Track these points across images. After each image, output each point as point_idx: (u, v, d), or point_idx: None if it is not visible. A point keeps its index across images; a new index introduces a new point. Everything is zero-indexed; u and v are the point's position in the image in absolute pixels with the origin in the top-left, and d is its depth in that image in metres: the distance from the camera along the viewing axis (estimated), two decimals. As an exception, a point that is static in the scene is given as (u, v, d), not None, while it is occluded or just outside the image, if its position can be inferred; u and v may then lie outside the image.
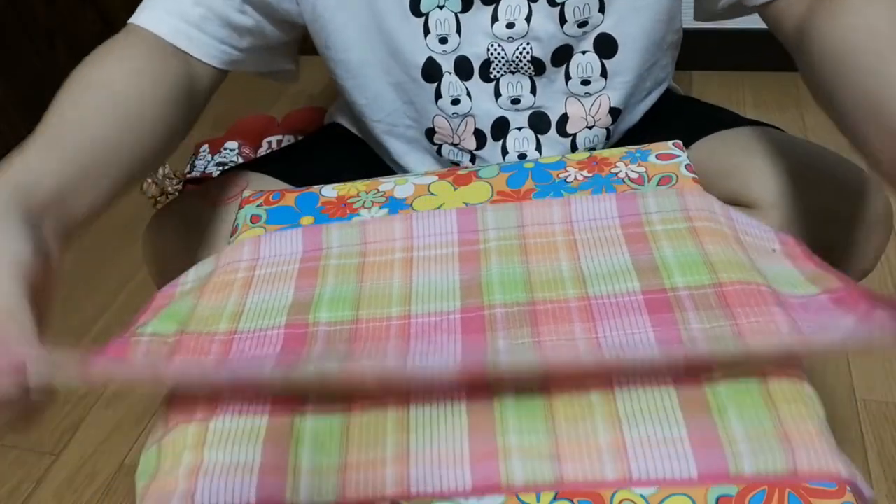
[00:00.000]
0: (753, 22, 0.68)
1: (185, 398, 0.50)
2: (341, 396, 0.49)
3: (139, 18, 0.62)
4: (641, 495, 0.42)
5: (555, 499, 0.43)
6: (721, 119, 0.75)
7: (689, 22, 0.77)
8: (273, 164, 0.78)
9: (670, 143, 0.62)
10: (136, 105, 0.56)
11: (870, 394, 0.97)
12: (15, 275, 0.42)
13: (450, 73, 0.69)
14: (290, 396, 0.49)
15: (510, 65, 0.68)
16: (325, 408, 0.49)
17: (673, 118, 0.78)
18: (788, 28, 0.59)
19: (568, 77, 0.70)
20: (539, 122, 0.72)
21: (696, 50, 1.07)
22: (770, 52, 0.66)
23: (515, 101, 0.70)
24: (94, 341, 1.17)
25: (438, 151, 0.76)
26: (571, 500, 0.43)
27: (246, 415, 0.48)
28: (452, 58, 0.68)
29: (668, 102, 0.79)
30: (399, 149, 0.79)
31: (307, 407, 0.49)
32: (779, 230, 0.57)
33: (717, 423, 0.45)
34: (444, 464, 0.45)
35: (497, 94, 0.70)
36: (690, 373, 0.47)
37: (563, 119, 0.72)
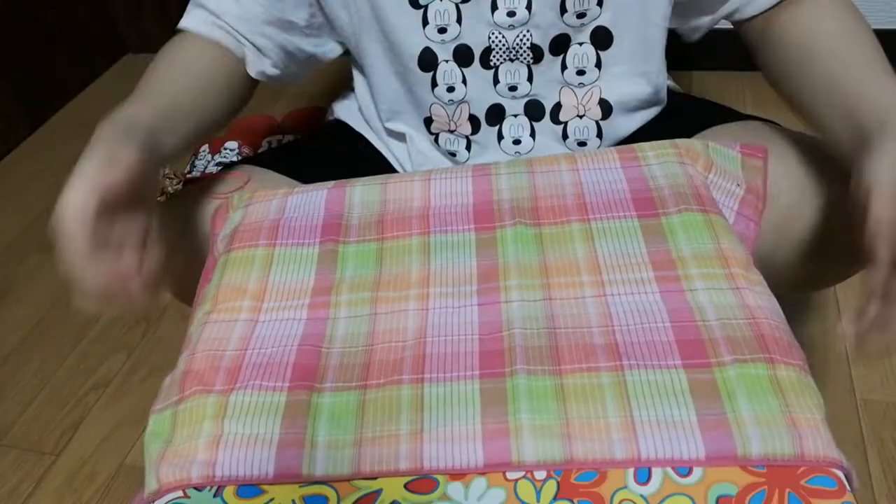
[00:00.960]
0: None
1: (201, 369, 0.52)
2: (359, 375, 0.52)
3: (198, 27, 0.73)
4: (641, 495, 0.42)
5: (555, 498, 0.43)
6: (724, 114, 0.77)
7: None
8: (274, 160, 0.78)
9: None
10: (204, 82, 0.72)
11: (870, 394, 0.96)
12: (93, 190, 0.50)
13: (447, 62, 0.71)
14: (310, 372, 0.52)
15: (510, 52, 0.70)
16: (342, 385, 0.51)
17: (674, 114, 0.79)
18: (754, 32, 0.72)
19: (564, 67, 0.71)
20: (534, 110, 0.74)
21: (695, 50, 1.07)
22: (770, 52, 0.66)
23: (513, 88, 0.72)
24: (93, 341, 1.17)
25: (436, 140, 0.78)
26: (571, 500, 0.43)
27: (265, 390, 0.50)
28: (451, 46, 0.70)
29: (670, 100, 0.79)
30: (398, 138, 0.81)
31: (325, 385, 0.51)
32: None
33: (727, 406, 0.45)
34: (458, 441, 0.46)
35: (496, 82, 0.72)
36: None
37: (557, 108, 0.74)
